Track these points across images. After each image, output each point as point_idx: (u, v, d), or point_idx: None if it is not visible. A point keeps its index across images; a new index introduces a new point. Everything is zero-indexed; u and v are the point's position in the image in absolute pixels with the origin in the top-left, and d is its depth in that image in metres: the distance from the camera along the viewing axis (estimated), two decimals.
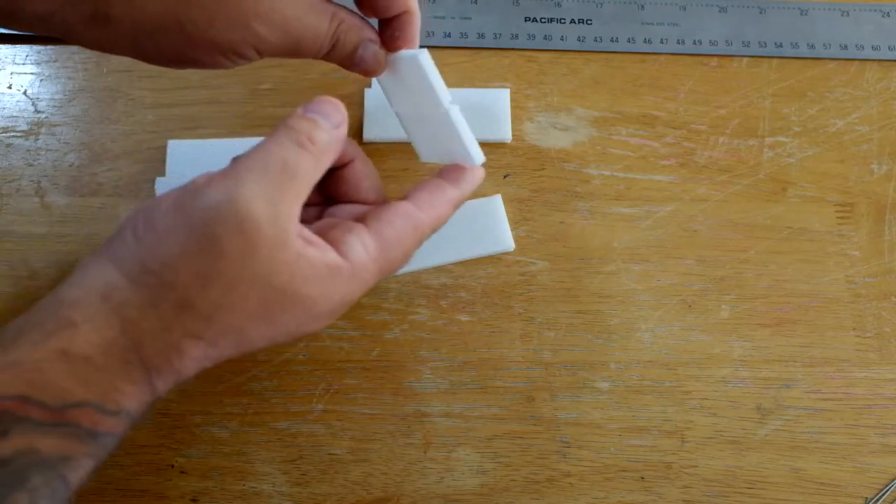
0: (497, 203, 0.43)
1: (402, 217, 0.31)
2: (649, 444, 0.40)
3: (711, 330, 0.42)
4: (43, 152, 0.45)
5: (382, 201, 0.35)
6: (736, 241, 0.44)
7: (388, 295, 0.42)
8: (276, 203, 0.27)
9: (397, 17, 0.34)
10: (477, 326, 0.42)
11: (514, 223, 0.44)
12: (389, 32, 0.34)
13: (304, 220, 0.30)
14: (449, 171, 0.34)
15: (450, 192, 0.33)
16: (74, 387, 0.26)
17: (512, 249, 0.43)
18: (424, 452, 0.40)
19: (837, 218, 0.44)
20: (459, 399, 0.41)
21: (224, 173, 0.27)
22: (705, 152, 0.46)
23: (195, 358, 0.28)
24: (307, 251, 0.28)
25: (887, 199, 0.45)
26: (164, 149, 0.44)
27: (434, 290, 0.42)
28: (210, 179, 0.27)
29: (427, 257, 0.42)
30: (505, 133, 0.45)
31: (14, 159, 0.44)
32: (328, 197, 0.35)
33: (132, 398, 0.27)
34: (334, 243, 0.30)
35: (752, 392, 0.41)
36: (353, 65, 0.34)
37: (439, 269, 0.43)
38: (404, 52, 0.35)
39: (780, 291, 0.43)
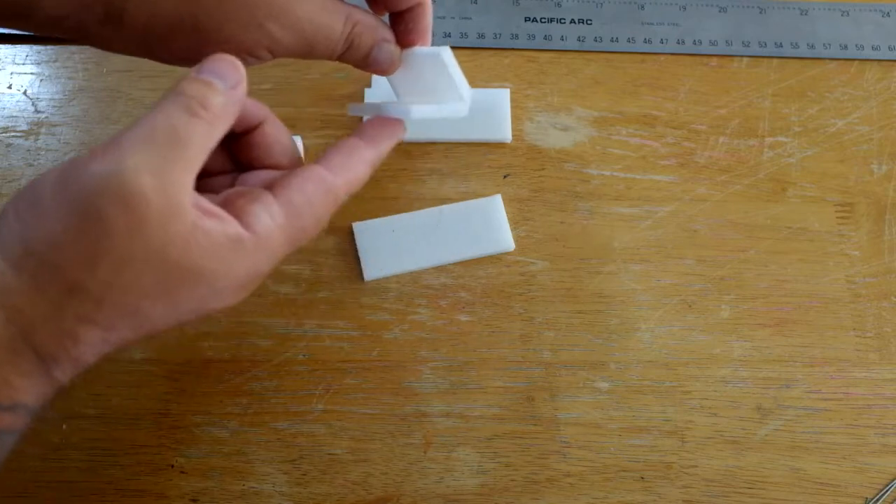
0: (497, 203, 0.43)
1: (313, 182, 0.29)
2: (649, 444, 0.40)
3: (711, 330, 0.42)
4: (43, 152, 0.45)
5: (297, 166, 0.32)
6: (736, 241, 0.44)
7: (388, 295, 0.42)
8: (164, 174, 0.25)
9: (410, 10, 0.34)
10: (477, 326, 0.42)
11: (514, 223, 0.44)
12: (403, 26, 0.34)
13: (213, 191, 0.29)
14: (364, 129, 0.32)
15: (366, 153, 0.31)
16: None
17: (512, 249, 0.43)
18: (424, 452, 0.40)
19: (837, 218, 0.44)
20: (459, 399, 0.41)
21: (107, 145, 0.25)
22: (705, 152, 0.46)
23: (91, 343, 0.26)
24: (204, 222, 0.26)
25: (887, 199, 0.45)
26: None
27: (434, 290, 0.42)
28: (93, 153, 0.25)
29: (427, 257, 0.42)
30: (505, 133, 0.45)
31: (14, 159, 0.44)
32: (238, 163, 0.33)
33: (27, 392, 0.26)
34: (239, 214, 0.27)
35: (752, 392, 0.41)
36: (366, 66, 0.34)
37: (439, 269, 0.43)
38: (425, 50, 0.35)
39: (780, 291, 0.43)
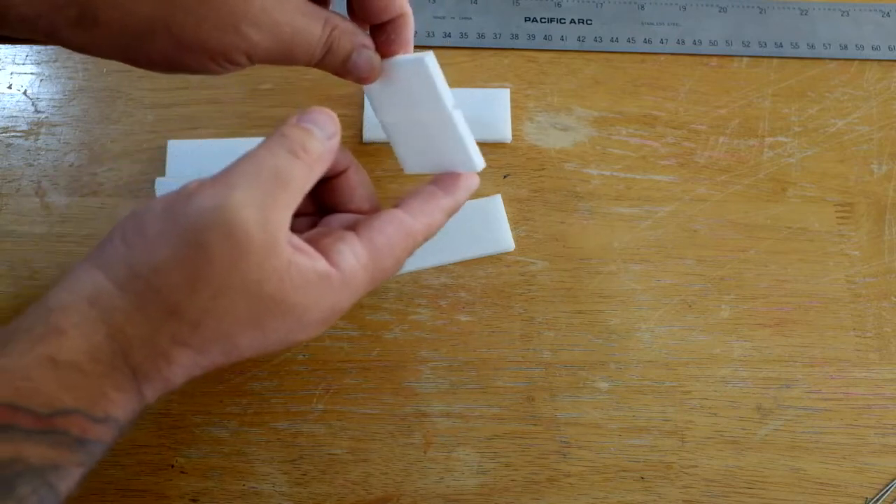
0: (497, 203, 0.43)
1: (394, 225, 0.31)
2: (649, 444, 0.40)
3: (711, 330, 0.42)
4: (43, 152, 0.45)
5: (376, 210, 0.35)
6: (736, 241, 0.44)
7: (388, 295, 0.42)
8: (266, 210, 0.27)
9: (392, 21, 0.34)
10: (477, 326, 0.42)
11: (514, 223, 0.44)
12: (384, 37, 0.34)
13: (297, 230, 0.30)
14: (443, 179, 0.34)
15: (443, 201, 0.33)
16: (62, 394, 0.25)
17: (512, 249, 0.43)
18: (424, 452, 0.40)
19: (837, 218, 0.44)
20: (459, 399, 0.41)
21: (215, 179, 0.27)
22: (705, 152, 0.46)
23: (184, 365, 0.28)
24: (297, 259, 0.28)
25: (887, 199, 0.45)
26: (164, 149, 0.44)
27: (434, 290, 0.42)
28: (201, 185, 0.27)
29: (427, 257, 0.42)
30: (505, 133, 0.45)
31: (14, 159, 0.44)
32: (322, 206, 0.35)
33: (120, 406, 0.27)
34: (325, 252, 0.29)
35: (752, 392, 0.41)
36: (346, 72, 0.34)
37: (439, 269, 0.43)
38: (407, 57, 0.34)
39: (780, 291, 0.43)
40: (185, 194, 0.27)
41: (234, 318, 0.27)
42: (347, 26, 0.33)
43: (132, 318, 0.27)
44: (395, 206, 0.32)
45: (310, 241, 0.30)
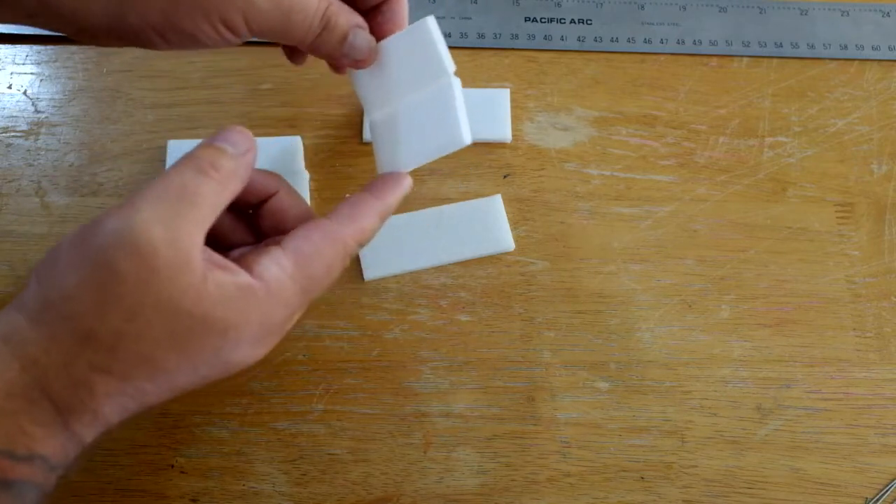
0: (497, 203, 0.43)
1: (320, 231, 0.30)
2: (649, 444, 0.40)
3: (711, 330, 0.42)
4: (43, 152, 0.45)
5: None
6: (736, 241, 0.44)
7: (388, 295, 0.42)
8: (174, 227, 0.26)
9: (386, 3, 0.33)
10: (477, 326, 0.42)
11: (514, 223, 0.44)
12: (380, 18, 0.34)
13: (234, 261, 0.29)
14: (373, 184, 0.33)
15: (374, 204, 0.32)
16: None
17: (512, 249, 0.43)
18: (424, 452, 0.40)
19: (837, 218, 0.44)
20: (459, 399, 0.41)
21: (122, 204, 0.27)
22: (705, 152, 0.46)
23: (109, 395, 0.26)
24: (215, 273, 0.27)
25: (887, 199, 0.45)
26: (164, 149, 0.44)
27: (434, 290, 0.42)
28: (108, 211, 0.27)
29: (427, 257, 0.42)
30: (505, 133, 0.45)
31: (14, 159, 0.44)
32: (259, 234, 0.34)
33: (44, 442, 0.26)
34: (248, 266, 0.29)
35: (752, 392, 0.41)
36: (342, 54, 0.33)
37: (439, 269, 0.43)
38: (407, 28, 0.34)
39: (780, 291, 0.43)
40: (92, 223, 0.27)
41: (151, 338, 0.26)
42: (342, 5, 0.32)
43: (46, 349, 0.26)
44: (325, 216, 0.31)
45: (234, 261, 0.29)
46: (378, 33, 0.34)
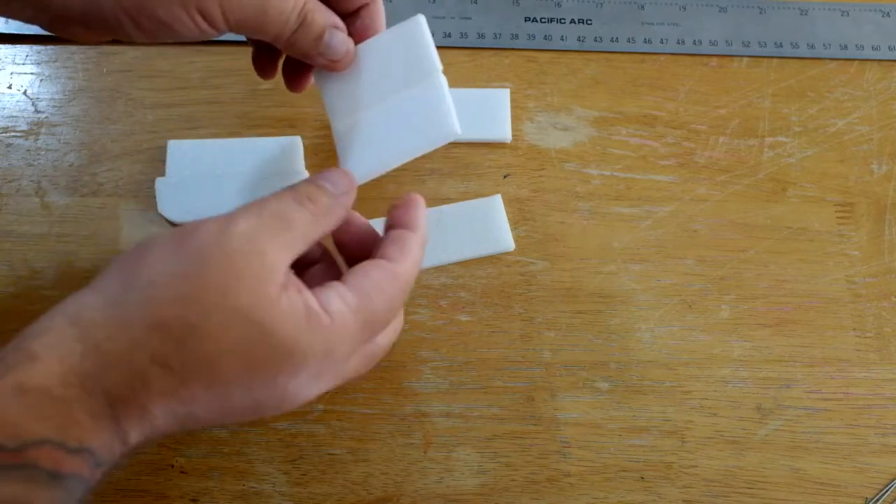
0: (497, 203, 0.43)
1: (378, 269, 0.30)
2: (649, 444, 0.40)
3: (711, 330, 0.42)
4: (43, 152, 0.45)
5: None
6: (736, 241, 0.44)
7: None
8: (266, 243, 0.27)
9: (364, 8, 0.34)
10: (477, 326, 0.42)
11: (514, 223, 0.44)
12: (358, 23, 0.34)
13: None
14: (400, 219, 0.33)
15: (414, 237, 0.32)
16: (31, 423, 0.24)
17: (512, 249, 0.43)
18: (424, 452, 0.40)
19: (837, 218, 0.44)
20: (459, 399, 0.41)
21: (222, 215, 0.28)
22: (705, 152, 0.46)
23: (163, 392, 0.26)
24: (290, 292, 0.28)
25: (887, 199, 0.45)
26: (164, 149, 0.44)
27: (434, 290, 0.42)
28: (208, 218, 0.28)
29: (427, 257, 0.42)
30: (505, 133, 0.45)
31: (14, 159, 0.44)
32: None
33: (95, 435, 0.25)
34: (314, 296, 0.29)
35: (752, 392, 0.41)
36: (318, 54, 0.33)
37: (439, 269, 0.43)
38: (393, 27, 0.34)
39: (780, 291, 0.43)
40: (191, 225, 0.28)
41: (219, 339, 0.26)
42: (320, 4, 0.33)
43: (111, 335, 0.26)
44: (373, 257, 0.32)
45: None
46: (356, 38, 0.34)
